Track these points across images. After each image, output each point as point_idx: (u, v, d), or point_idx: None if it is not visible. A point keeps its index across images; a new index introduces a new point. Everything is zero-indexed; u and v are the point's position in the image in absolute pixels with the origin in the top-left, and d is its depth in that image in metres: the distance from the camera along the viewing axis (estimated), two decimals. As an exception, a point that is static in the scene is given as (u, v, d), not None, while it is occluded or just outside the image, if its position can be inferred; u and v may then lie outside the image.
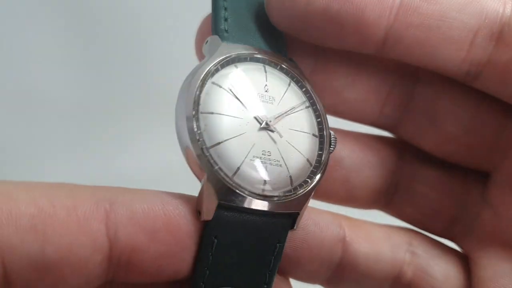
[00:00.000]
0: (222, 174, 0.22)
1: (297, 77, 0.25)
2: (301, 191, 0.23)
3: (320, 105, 0.25)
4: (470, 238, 0.27)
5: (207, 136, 0.22)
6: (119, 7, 0.56)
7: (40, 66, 0.57)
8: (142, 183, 0.56)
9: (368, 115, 0.27)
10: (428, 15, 0.23)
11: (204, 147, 0.22)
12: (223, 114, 0.23)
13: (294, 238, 0.25)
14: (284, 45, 0.26)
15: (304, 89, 0.25)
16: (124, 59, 0.57)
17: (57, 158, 0.55)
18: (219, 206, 0.22)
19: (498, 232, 0.26)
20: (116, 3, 0.57)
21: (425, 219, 0.28)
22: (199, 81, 0.23)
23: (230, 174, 0.22)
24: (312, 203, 0.26)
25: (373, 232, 0.27)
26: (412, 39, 0.23)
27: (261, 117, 0.23)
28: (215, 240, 0.22)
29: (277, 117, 0.24)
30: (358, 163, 0.27)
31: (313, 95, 0.25)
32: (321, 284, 0.28)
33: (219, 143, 0.22)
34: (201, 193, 0.22)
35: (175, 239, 0.22)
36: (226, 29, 0.25)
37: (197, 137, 0.22)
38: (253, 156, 0.23)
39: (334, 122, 0.27)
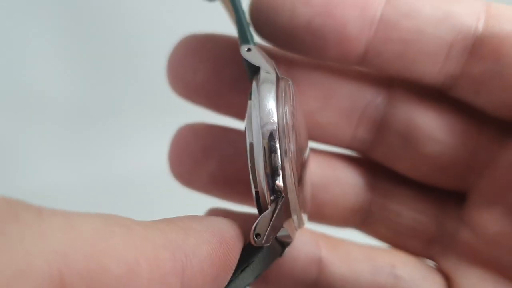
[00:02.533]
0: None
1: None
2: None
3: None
4: (449, 258, 0.27)
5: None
6: (117, 6, 0.56)
7: (37, 65, 0.57)
8: (141, 184, 0.57)
9: (341, 139, 0.27)
10: (406, 30, 0.23)
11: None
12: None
13: None
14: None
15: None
16: (122, 59, 0.57)
17: (55, 158, 0.55)
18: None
19: (477, 252, 0.26)
20: (115, 2, 0.56)
21: (401, 239, 0.28)
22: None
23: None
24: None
25: (353, 253, 0.27)
26: (391, 53, 0.24)
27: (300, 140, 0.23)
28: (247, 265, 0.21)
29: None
30: (325, 180, 0.27)
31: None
32: None
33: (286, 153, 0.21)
34: (268, 216, 0.20)
35: (227, 275, 0.20)
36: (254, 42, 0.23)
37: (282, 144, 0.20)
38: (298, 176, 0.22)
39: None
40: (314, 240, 0.26)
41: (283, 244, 0.23)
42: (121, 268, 0.16)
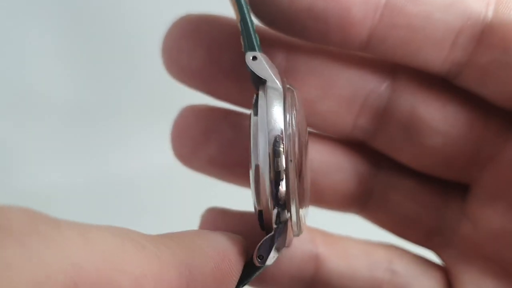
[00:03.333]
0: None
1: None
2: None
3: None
4: (450, 251, 0.27)
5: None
6: (117, 6, 0.56)
7: (37, 66, 0.57)
8: (141, 183, 0.56)
9: (341, 128, 0.26)
10: (413, 15, 0.22)
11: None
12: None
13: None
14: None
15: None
16: (122, 59, 0.57)
17: (55, 158, 0.55)
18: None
19: (479, 246, 0.26)
20: (115, 2, 0.56)
21: (400, 228, 0.28)
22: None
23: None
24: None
25: (350, 249, 0.26)
26: (396, 39, 0.23)
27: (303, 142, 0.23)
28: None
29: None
30: (326, 166, 0.27)
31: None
32: None
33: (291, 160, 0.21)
34: (272, 239, 0.21)
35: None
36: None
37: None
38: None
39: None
40: (311, 237, 0.26)
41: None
42: (130, 282, 0.16)
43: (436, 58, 0.23)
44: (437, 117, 0.25)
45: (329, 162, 0.27)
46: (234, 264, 0.20)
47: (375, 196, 0.27)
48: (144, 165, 0.54)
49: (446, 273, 0.27)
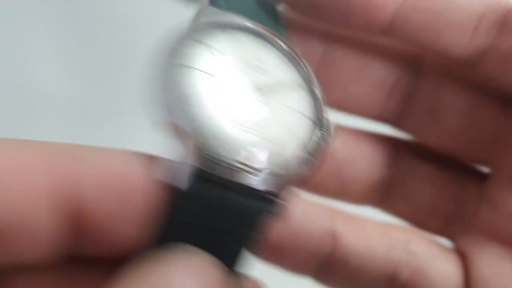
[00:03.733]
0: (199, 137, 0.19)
1: (297, 58, 0.23)
2: (285, 173, 0.20)
3: (319, 91, 0.23)
4: (468, 236, 0.27)
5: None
6: (117, 6, 0.56)
7: (36, 65, 0.57)
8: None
9: (371, 110, 0.27)
10: None
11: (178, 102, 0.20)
12: (208, 73, 0.21)
13: (278, 225, 0.24)
14: (283, 30, 0.24)
15: (301, 71, 0.23)
16: (123, 59, 0.57)
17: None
18: (197, 176, 0.19)
19: (498, 230, 0.26)
20: (115, 2, 0.57)
21: (420, 216, 0.28)
22: (183, 38, 0.21)
23: (206, 137, 0.19)
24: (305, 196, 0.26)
25: (368, 229, 0.27)
26: (418, 23, 0.23)
27: (250, 85, 0.21)
28: (180, 212, 0.19)
29: (267, 86, 0.21)
30: (351, 155, 0.27)
31: (311, 79, 0.23)
32: (311, 276, 0.27)
33: (192, 93, 0.20)
34: (179, 158, 0.19)
35: (144, 201, 0.19)
36: (223, 4, 0.23)
37: (182, 94, 0.20)
38: (236, 122, 0.20)
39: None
40: (329, 214, 0.26)
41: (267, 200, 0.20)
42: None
43: (458, 43, 0.24)
44: (460, 101, 0.26)
45: (353, 152, 0.27)
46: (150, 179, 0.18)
47: (395, 184, 0.28)
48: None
49: (462, 258, 0.27)
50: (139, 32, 0.57)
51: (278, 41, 0.23)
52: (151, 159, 0.20)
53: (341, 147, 0.27)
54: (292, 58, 0.23)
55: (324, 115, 0.23)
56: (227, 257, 0.20)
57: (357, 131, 0.28)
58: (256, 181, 0.20)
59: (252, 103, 0.21)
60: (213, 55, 0.21)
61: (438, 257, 0.27)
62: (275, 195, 0.20)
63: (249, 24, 0.23)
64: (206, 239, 0.20)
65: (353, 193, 0.28)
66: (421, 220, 0.28)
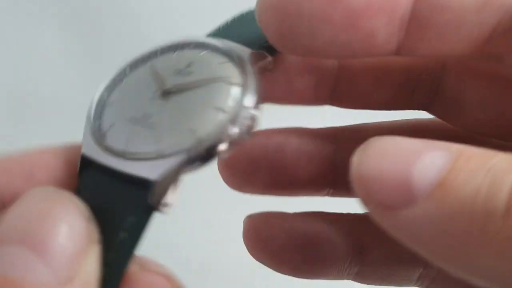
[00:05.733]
0: (97, 129, 0.22)
1: (242, 60, 0.23)
2: (165, 158, 0.20)
3: (253, 86, 0.22)
4: None
5: (110, 97, 0.24)
6: (121, 7, 0.56)
7: (41, 67, 0.57)
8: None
9: (399, 105, 0.27)
10: (442, 24, 0.22)
11: (102, 103, 0.23)
12: (130, 82, 0.24)
13: (307, 254, 0.25)
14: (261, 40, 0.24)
15: (240, 70, 0.23)
16: (125, 58, 0.57)
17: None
18: (84, 157, 0.21)
19: None
20: (119, 3, 0.57)
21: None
22: (134, 61, 0.24)
23: (103, 130, 0.22)
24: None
25: None
26: (427, 48, 0.23)
27: (160, 85, 0.23)
28: (78, 194, 0.21)
29: (180, 86, 0.22)
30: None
31: (248, 76, 0.22)
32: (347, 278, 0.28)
33: (113, 102, 0.23)
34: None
35: (54, 180, 0.22)
36: (220, 28, 0.25)
37: (103, 97, 0.24)
38: (131, 117, 0.22)
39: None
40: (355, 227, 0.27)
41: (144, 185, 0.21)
42: None
43: (472, 53, 0.23)
44: (484, 93, 0.25)
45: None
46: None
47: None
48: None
49: None
50: (145, 35, 0.57)
51: (228, 49, 0.23)
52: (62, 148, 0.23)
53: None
54: (239, 62, 0.23)
55: (247, 112, 0.21)
56: (109, 243, 0.20)
57: (382, 131, 0.28)
58: (134, 167, 0.21)
59: (153, 101, 0.22)
60: (145, 70, 0.24)
61: None
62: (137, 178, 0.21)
63: (205, 41, 0.24)
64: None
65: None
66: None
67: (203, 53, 0.24)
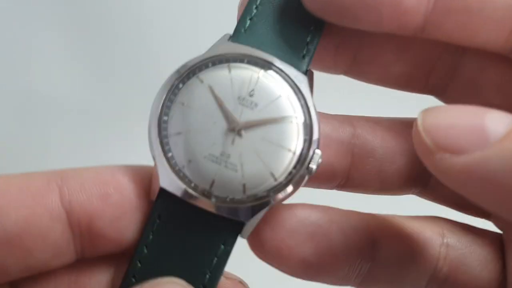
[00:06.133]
0: (172, 162, 0.23)
1: (297, 91, 0.24)
2: (252, 203, 0.23)
3: (315, 124, 0.24)
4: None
5: (171, 124, 0.23)
6: (121, 7, 0.57)
7: (42, 68, 0.57)
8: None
9: (414, 86, 0.27)
10: (469, 3, 0.22)
11: (165, 133, 0.23)
12: (192, 108, 0.23)
13: (318, 244, 0.25)
14: (308, 55, 0.25)
15: (300, 105, 0.24)
16: (125, 61, 0.57)
17: (58, 158, 0.56)
18: (164, 191, 0.23)
19: None
20: (118, 3, 0.57)
21: (461, 200, 0.27)
22: (183, 73, 0.24)
23: (180, 164, 0.23)
24: (346, 194, 0.26)
25: (404, 230, 0.27)
26: (453, 23, 0.23)
27: (231, 119, 0.23)
28: (157, 221, 0.23)
29: (250, 123, 0.23)
30: (391, 152, 0.27)
31: (308, 114, 0.24)
32: (353, 285, 0.27)
33: (179, 133, 0.23)
34: (153, 173, 0.23)
35: (128, 202, 0.23)
36: (246, 28, 0.25)
37: (161, 123, 0.23)
38: (209, 154, 0.23)
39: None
40: (365, 223, 0.26)
41: (238, 223, 0.24)
42: None
43: (497, 38, 0.23)
44: (505, 79, 0.25)
45: (393, 148, 0.27)
46: (134, 182, 0.23)
47: None
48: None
49: (497, 238, 0.27)
50: (147, 36, 0.57)
51: (285, 74, 0.24)
52: (129, 168, 0.24)
53: (379, 145, 0.27)
54: (296, 92, 0.24)
55: (311, 149, 0.24)
56: (201, 268, 0.24)
57: (394, 124, 0.27)
58: (209, 206, 0.23)
59: (230, 137, 0.23)
60: (209, 94, 0.24)
61: (474, 244, 0.27)
62: (232, 219, 0.23)
63: (257, 57, 0.24)
64: (180, 249, 0.24)
65: (395, 188, 0.28)
66: (462, 204, 0.28)
67: (261, 74, 0.24)
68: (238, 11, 0.25)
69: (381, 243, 0.26)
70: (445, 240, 0.27)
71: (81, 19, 0.57)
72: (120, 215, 0.23)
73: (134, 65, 0.57)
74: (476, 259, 0.26)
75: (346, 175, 0.27)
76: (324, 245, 0.25)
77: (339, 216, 0.26)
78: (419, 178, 0.28)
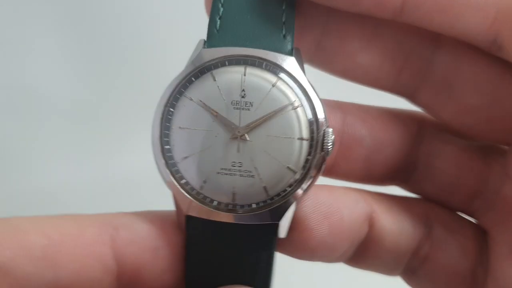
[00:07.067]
0: (188, 187, 0.23)
1: (288, 75, 0.23)
2: (278, 202, 0.23)
3: (318, 102, 0.23)
4: (490, 213, 0.27)
5: (175, 151, 0.23)
6: (118, 7, 0.57)
7: (39, 67, 0.57)
8: (139, 183, 0.57)
9: (383, 82, 0.26)
10: None
11: (171, 162, 0.23)
12: (191, 128, 0.23)
13: (332, 224, 0.25)
14: (289, 34, 0.24)
15: (295, 88, 0.23)
16: (123, 61, 0.57)
17: (56, 158, 0.55)
18: (191, 218, 0.23)
19: None
20: (116, 3, 0.57)
21: (444, 194, 0.28)
22: (170, 95, 0.23)
23: (196, 188, 0.23)
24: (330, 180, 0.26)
25: (394, 206, 0.27)
26: (433, 5, 0.22)
27: (231, 127, 0.23)
28: (195, 249, 0.23)
29: (250, 125, 0.23)
30: (378, 141, 0.27)
31: (306, 94, 0.24)
32: (344, 262, 0.27)
33: (186, 157, 0.23)
34: (175, 203, 0.23)
35: (175, 254, 0.22)
36: (217, 28, 0.24)
37: (165, 153, 0.23)
38: (221, 169, 0.23)
39: (351, 92, 0.26)
40: (363, 198, 0.26)
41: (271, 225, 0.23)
42: (43, 239, 0.20)
43: (479, 26, 0.22)
44: (481, 78, 0.25)
45: (381, 138, 0.27)
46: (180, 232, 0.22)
47: (420, 165, 0.28)
48: (145, 165, 0.54)
49: (480, 232, 0.27)
50: (141, 35, 0.57)
51: (270, 63, 0.24)
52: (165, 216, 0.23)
53: (368, 134, 0.26)
54: (287, 76, 0.24)
55: (320, 130, 0.23)
56: (248, 277, 0.24)
57: (383, 114, 0.27)
58: (238, 219, 0.23)
59: (234, 144, 0.23)
60: (202, 110, 0.23)
61: (457, 231, 0.27)
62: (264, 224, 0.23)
63: (237, 55, 0.23)
64: (224, 266, 0.23)
65: (379, 177, 0.28)
66: (445, 198, 0.28)
67: (246, 72, 0.23)
68: (206, 8, 0.25)
69: (377, 218, 0.26)
70: (429, 221, 0.27)
71: (79, 18, 0.57)
72: (169, 267, 0.22)
73: (131, 64, 0.57)
74: (456, 245, 0.26)
75: (332, 163, 0.27)
76: (337, 224, 0.25)
77: (343, 193, 0.26)
78: (403, 169, 0.28)
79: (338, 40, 0.25)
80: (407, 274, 0.27)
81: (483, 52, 0.24)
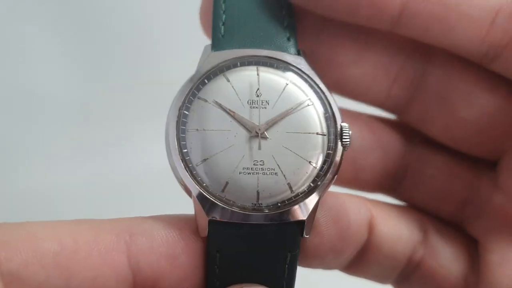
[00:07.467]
0: (210, 190, 0.22)
1: (300, 72, 0.24)
2: (304, 198, 0.23)
3: (331, 98, 0.24)
4: (480, 222, 0.27)
5: (193, 154, 0.22)
6: (119, 7, 0.57)
7: (39, 67, 0.57)
8: (140, 183, 0.56)
9: (375, 95, 0.26)
10: None
11: (190, 165, 0.22)
12: (209, 130, 0.23)
13: (340, 227, 0.25)
14: (292, 36, 0.24)
15: (308, 84, 0.24)
16: (124, 61, 0.57)
17: (57, 158, 0.55)
18: (213, 222, 0.22)
19: (510, 217, 0.26)
20: (117, 3, 0.57)
21: (434, 203, 0.28)
22: (184, 98, 0.23)
23: (219, 190, 0.22)
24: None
25: (392, 212, 0.27)
26: (429, 15, 0.22)
27: (250, 126, 0.23)
28: (217, 255, 0.22)
29: (269, 123, 0.23)
30: (367, 145, 0.27)
31: (320, 90, 0.24)
32: (340, 269, 0.27)
33: (205, 159, 0.22)
34: (194, 211, 0.22)
35: (194, 262, 0.22)
36: (222, 34, 0.24)
37: (184, 156, 0.22)
38: (243, 168, 0.22)
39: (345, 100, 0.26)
40: (363, 204, 0.26)
41: (297, 223, 0.23)
42: (56, 246, 0.20)
43: (473, 37, 0.23)
44: (473, 91, 0.25)
45: (369, 140, 0.27)
46: (199, 239, 0.22)
47: (410, 172, 0.28)
48: (144, 165, 0.54)
49: (472, 241, 0.27)
50: (142, 36, 0.57)
51: (281, 63, 0.24)
52: (191, 220, 0.22)
53: (356, 136, 0.26)
54: (299, 76, 0.24)
55: (337, 124, 0.23)
56: (275, 281, 0.23)
57: (373, 119, 0.27)
58: (265, 218, 0.22)
59: (255, 143, 0.23)
60: (219, 110, 0.23)
61: (450, 238, 0.27)
62: (291, 222, 0.23)
63: (248, 56, 0.24)
64: (248, 270, 0.23)
65: (367, 182, 0.28)
66: (435, 206, 0.28)
67: (259, 71, 0.23)
68: (201, 19, 0.25)
69: (376, 224, 0.26)
70: (424, 227, 0.27)
71: (78, 19, 0.57)
72: (187, 275, 0.22)
73: (131, 65, 0.57)
74: (449, 252, 0.27)
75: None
76: (345, 228, 0.25)
77: (347, 199, 0.26)
78: (392, 176, 0.28)
79: (331, 51, 0.25)
80: (399, 281, 0.28)
81: (474, 66, 0.24)
